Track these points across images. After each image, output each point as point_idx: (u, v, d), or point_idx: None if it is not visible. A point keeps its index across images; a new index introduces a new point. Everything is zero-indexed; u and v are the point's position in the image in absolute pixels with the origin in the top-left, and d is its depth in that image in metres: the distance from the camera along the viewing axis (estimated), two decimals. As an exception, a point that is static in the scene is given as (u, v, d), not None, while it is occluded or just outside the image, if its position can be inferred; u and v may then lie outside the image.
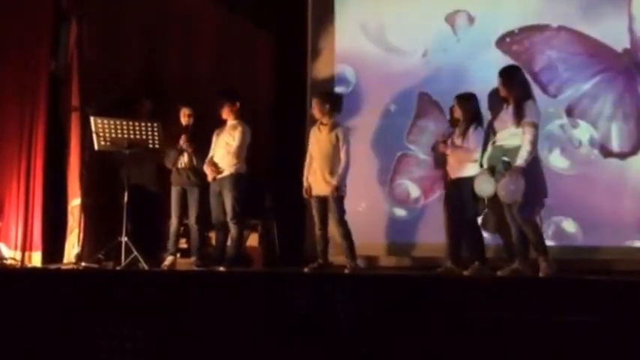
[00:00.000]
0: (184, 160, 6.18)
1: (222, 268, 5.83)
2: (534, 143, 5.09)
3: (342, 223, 5.80)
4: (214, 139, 6.15)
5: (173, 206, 6.16)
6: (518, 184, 5.08)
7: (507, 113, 5.22)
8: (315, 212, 5.92)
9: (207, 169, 6.00)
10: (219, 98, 6.15)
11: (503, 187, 5.16)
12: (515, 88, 5.23)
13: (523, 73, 5.32)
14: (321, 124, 5.92)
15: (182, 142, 6.13)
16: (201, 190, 6.15)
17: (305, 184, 5.93)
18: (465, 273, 5.29)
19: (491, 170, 5.25)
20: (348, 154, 5.81)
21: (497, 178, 5.20)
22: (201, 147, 6.17)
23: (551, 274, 5.09)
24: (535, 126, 5.10)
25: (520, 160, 5.08)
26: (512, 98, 5.21)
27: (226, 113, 6.10)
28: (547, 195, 5.29)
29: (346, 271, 5.72)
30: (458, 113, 5.78)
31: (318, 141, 5.90)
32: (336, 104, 5.94)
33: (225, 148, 6.03)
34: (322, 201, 5.86)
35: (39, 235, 6.15)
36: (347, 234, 5.80)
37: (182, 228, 6.42)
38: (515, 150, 5.11)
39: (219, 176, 5.97)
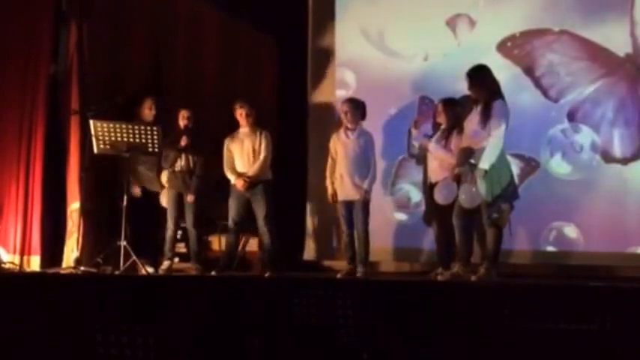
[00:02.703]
0: (181, 163, 6.15)
1: (267, 274, 5.83)
2: (499, 145, 5.08)
3: (366, 229, 5.87)
4: (229, 144, 6.13)
5: (169, 210, 6.13)
6: (480, 187, 5.08)
7: (476, 114, 5.22)
8: (341, 218, 5.97)
9: (237, 181, 6.00)
10: (234, 104, 6.13)
11: (464, 190, 5.16)
12: (483, 88, 5.23)
13: (491, 73, 5.30)
14: (347, 129, 5.94)
15: (183, 143, 6.10)
16: (198, 193, 6.11)
17: (330, 189, 5.97)
18: (473, 278, 5.24)
19: (458, 176, 5.27)
20: (375, 158, 5.95)
21: (463, 181, 5.20)
22: (200, 150, 6.15)
23: (485, 280, 5.07)
24: (501, 127, 5.08)
25: (483, 162, 5.07)
26: (480, 99, 5.21)
27: (247, 121, 6.10)
28: (517, 197, 5.27)
29: (358, 275, 5.73)
30: (441, 118, 5.81)
31: (344, 146, 5.96)
32: (365, 111, 6.05)
33: (252, 155, 6.04)
34: (349, 206, 5.90)
35: (38, 239, 6.13)
36: (367, 240, 5.87)
37: (181, 232, 6.41)
38: (482, 151, 5.10)
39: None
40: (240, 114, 6.10)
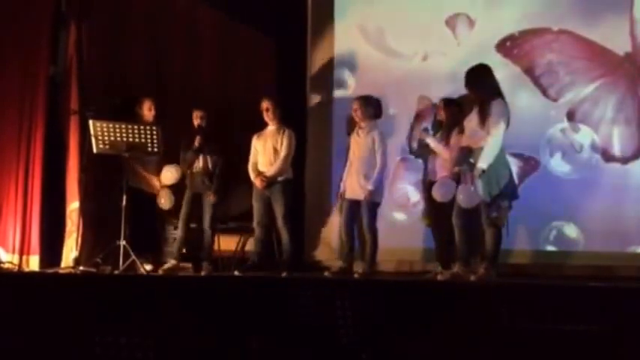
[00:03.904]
0: (199, 164, 6.14)
1: (284, 274, 5.79)
2: (497, 144, 5.09)
3: (372, 230, 5.80)
4: (254, 142, 6.12)
5: (183, 210, 6.11)
6: (478, 187, 5.08)
7: (475, 113, 5.23)
8: (343, 215, 5.94)
9: (256, 180, 5.99)
10: (260, 102, 6.10)
11: (463, 190, 5.16)
12: (479, 88, 5.23)
13: (490, 72, 5.29)
14: (359, 127, 5.94)
15: (197, 143, 6.09)
16: (218, 194, 6.10)
17: (341, 187, 5.97)
18: (472, 278, 5.23)
19: (457, 175, 5.28)
20: (384, 157, 5.84)
21: (462, 181, 5.21)
22: (217, 150, 6.14)
23: (485, 280, 5.06)
24: (500, 126, 5.08)
25: (481, 161, 5.07)
26: (478, 98, 5.21)
27: (267, 116, 6.07)
28: (517, 197, 5.27)
29: (356, 275, 5.71)
30: (442, 116, 5.81)
31: (357, 145, 5.93)
32: (378, 109, 5.99)
33: (273, 154, 6.02)
34: (354, 204, 5.87)
35: (37, 238, 6.13)
36: (374, 241, 5.80)
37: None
38: (481, 151, 5.10)
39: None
40: (261, 108, 6.08)
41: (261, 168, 6.05)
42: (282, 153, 6.00)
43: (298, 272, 6.05)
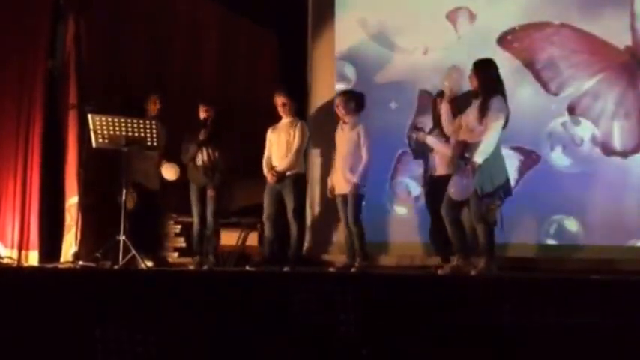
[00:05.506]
0: (203, 157, 6.14)
1: (286, 269, 5.79)
2: (494, 140, 5.09)
3: (357, 223, 5.80)
4: (269, 136, 6.12)
5: (193, 205, 6.13)
6: (470, 181, 5.08)
7: (474, 108, 5.23)
8: (340, 212, 5.93)
9: (268, 174, 5.99)
10: (274, 95, 6.09)
11: (455, 183, 5.17)
12: (485, 81, 5.22)
13: (497, 70, 5.30)
14: (344, 122, 5.95)
15: (201, 137, 6.09)
16: (220, 188, 6.11)
17: (329, 183, 5.98)
18: (473, 272, 5.21)
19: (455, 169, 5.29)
20: (369, 151, 5.84)
21: (458, 174, 5.21)
22: (222, 144, 6.15)
23: (485, 274, 5.05)
24: (498, 122, 5.08)
25: (477, 156, 5.07)
26: (480, 92, 5.22)
27: (283, 111, 6.07)
28: (510, 194, 5.26)
29: (353, 269, 5.71)
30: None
31: (340, 140, 5.94)
32: (361, 103, 5.97)
33: (286, 147, 6.01)
34: (345, 199, 5.86)
35: (36, 233, 6.12)
36: (360, 234, 5.81)
37: (180, 226, 6.40)
38: (477, 146, 5.10)
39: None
40: (276, 102, 6.07)
41: (274, 161, 6.04)
42: (294, 146, 6.00)
43: (301, 267, 6.04)
